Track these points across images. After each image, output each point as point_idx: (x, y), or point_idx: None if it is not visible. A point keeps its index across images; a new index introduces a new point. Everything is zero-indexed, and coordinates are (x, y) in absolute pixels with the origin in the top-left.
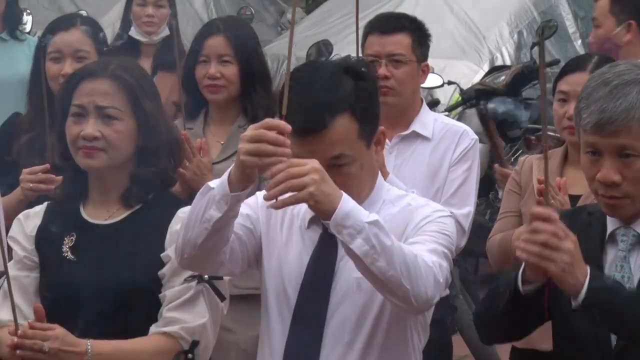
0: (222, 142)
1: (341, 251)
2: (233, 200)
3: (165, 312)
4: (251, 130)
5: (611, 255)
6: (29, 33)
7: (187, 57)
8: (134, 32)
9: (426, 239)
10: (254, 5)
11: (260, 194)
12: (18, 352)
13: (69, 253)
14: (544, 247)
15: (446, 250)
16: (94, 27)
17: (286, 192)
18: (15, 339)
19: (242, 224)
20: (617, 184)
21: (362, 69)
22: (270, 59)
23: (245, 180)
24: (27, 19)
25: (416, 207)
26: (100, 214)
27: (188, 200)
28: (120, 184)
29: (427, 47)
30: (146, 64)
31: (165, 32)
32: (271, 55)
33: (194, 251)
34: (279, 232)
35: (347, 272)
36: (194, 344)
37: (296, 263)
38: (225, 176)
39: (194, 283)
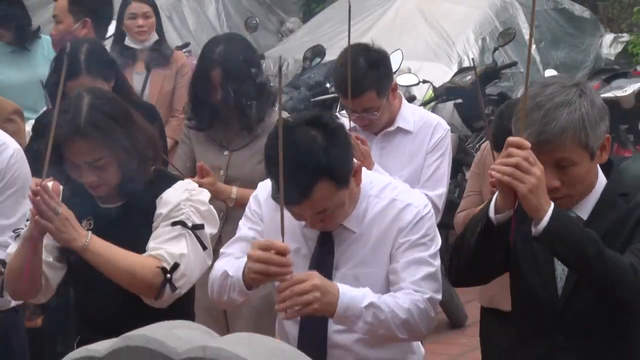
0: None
1: (336, 255)
2: (250, 292)
3: (151, 244)
4: (257, 250)
5: None
6: None
7: (195, 73)
8: (128, 42)
9: (419, 262)
10: (258, 15)
11: (262, 200)
12: (37, 202)
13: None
14: (516, 169)
15: (435, 263)
16: (98, 59)
17: (292, 304)
18: (35, 186)
19: None
20: (558, 188)
21: (332, 127)
22: (272, 60)
23: (257, 284)
24: None
25: (400, 205)
26: (109, 199)
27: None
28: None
29: (391, 78)
30: (140, 64)
31: (155, 37)
32: (273, 58)
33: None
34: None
35: (343, 271)
36: (175, 265)
37: (300, 262)
38: (240, 272)
39: (178, 226)
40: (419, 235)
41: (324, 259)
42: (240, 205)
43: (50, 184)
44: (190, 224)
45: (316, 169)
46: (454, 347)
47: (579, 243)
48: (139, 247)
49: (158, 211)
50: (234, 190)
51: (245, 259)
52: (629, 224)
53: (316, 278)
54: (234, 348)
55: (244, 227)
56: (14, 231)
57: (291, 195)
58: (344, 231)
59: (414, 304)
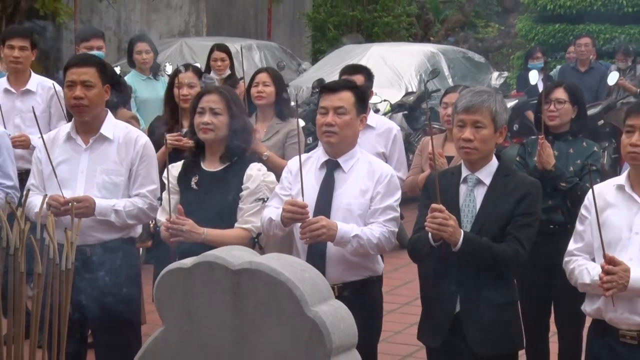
0: (265, 130)
1: (337, 184)
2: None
3: (245, 217)
4: (288, 205)
5: (463, 190)
6: (169, 75)
7: (249, 86)
8: (212, 74)
9: (388, 208)
10: (284, 60)
11: (292, 170)
12: (170, 230)
13: (194, 185)
14: (439, 225)
15: (397, 209)
16: (198, 69)
17: (309, 236)
18: (168, 223)
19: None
20: (472, 140)
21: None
22: (293, 88)
23: (289, 224)
24: (170, 67)
25: (378, 166)
26: (210, 166)
27: (252, 158)
28: (220, 150)
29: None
30: None
31: (228, 72)
32: (294, 87)
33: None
34: (297, 179)
35: (340, 200)
36: (258, 234)
37: (311, 190)
38: (279, 218)
39: (260, 202)
40: (389, 187)
41: (327, 191)
42: (270, 163)
43: (174, 217)
44: (265, 198)
45: (348, 84)
46: (401, 260)
47: (478, 253)
48: (227, 195)
49: (246, 184)
50: (268, 152)
51: (281, 209)
52: (510, 203)
53: (324, 220)
54: (269, 262)
55: (278, 188)
56: (158, 198)
57: (333, 86)
58: (340, 171)
59: (382, 235)
